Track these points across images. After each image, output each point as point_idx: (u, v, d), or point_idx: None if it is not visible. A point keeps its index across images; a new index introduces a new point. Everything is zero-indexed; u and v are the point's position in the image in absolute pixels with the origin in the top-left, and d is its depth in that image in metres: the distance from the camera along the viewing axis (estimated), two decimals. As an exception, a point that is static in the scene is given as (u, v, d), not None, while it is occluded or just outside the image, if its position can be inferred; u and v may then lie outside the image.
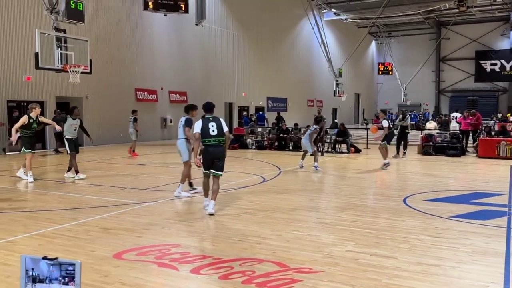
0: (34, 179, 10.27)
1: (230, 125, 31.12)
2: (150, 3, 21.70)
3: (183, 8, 22.30)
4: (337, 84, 31.77)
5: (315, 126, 12.93)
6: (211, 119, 6.97)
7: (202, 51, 27.63)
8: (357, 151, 17.58)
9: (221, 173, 7.07)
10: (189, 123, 8.29)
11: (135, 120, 15.87)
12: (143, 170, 12.62)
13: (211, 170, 7.04)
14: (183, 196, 8.45)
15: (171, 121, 25.23)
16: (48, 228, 6.20)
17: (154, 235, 5.95)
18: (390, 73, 50.94)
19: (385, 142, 13.13)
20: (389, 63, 51.13)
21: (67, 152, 10.91)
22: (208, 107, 7.10)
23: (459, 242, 5.55)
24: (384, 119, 13.53)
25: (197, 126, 6.96)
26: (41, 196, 8.61)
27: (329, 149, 17.94)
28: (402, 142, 16.05)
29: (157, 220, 6.71)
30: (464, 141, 17.25)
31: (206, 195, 7.28)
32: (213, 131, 6.86)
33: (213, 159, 6.94)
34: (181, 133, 8.50)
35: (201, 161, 7.03)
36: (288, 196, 8.72)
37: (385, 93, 57.16)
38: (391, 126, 13.76)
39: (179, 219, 6.84)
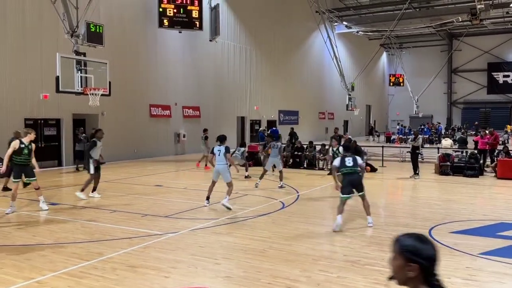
0: (49, 203, 10.31)
1: (242, 139, 31.14)
2: (165, 21, 21.92)
3: (197, 25, 22.50)
4: (349, 98, 31.69)
5: (277, 143, 13.75)
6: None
7: (215, 66, 27.76)
8: (373, 170, 17.43)
9: None
10: (228, 150, 10.36)
11: (206, 138, 17.96)
12: (160, 193, 12.61)
13: None
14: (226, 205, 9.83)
15: (184, 136, 25.30)
16: (75, 266, 6.19)
17: (181, 275, 5.91)
18: (401, 84, 50.76)
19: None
20: (400, 75, 50.98)
21: (90, 172, 11.04)
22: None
23: (493, 287, 5.44)
24: (338, 146, 12.13)
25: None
26: (64, 225, 8.61)
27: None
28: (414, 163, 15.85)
29: (182, 256, 6.66)
30: (482, 161, 17.05)
31: None
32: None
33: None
34: (222, 159, 10.23)
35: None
36: (311, 226, 8.64)
37: (396, 105, 56.98)
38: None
39: (204, 255, 6.79)
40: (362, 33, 43.87)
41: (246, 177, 15.30)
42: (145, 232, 8.09)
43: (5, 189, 12.32)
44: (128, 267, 6.19)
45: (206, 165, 17.79)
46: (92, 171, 11.04)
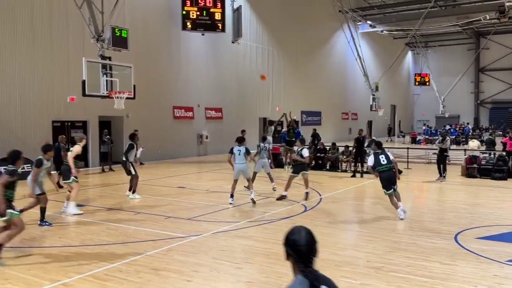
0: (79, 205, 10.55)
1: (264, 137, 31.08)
2: (188, 23, 22.13)
3: (220, 27, 22.62)
4: (373, 99, 31.30)
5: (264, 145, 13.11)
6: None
7: (237, 67, 27.85)
8: (398, 172, 17.11)
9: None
10: (248, 151, 11.08)
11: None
12: (183, 194, 12.72)
13: None
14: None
15: (207, 137, 25.47)
16: (99, 268, 6.30)
17: (203, 279, 5.94)
18: (427, 84, 49.87)
19: (302, 173, 11.44)
20: (426, 74, 50.09)
21: (133, 173, 11.51)
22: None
23: (522, 297, 5.28)
24: (303, 148, 11.73)
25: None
26: (90, 227, 8.78)
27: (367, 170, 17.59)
28: (442, 165, 15.51)
29: (205, 260, 6.70)
30: (510, 163, 16.58)
31: None
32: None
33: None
34: (242, 158, 10.91)
35: None
36: (333, 230, 8.57)
37: (422, 105, 55.98)
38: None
39: (226, 259, 6.80)
40: (387, 32, 43.29)
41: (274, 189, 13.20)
42: (168, 234, 8.18)
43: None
44: (152, 270, 6.26)
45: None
46: (133, 172, 11.51)
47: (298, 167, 11.49)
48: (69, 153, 10.04)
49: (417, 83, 51.51)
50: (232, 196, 10.96)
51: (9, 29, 16.32)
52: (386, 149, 10.31)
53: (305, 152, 11.50)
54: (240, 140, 11.17)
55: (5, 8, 16.23)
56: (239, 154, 10.96)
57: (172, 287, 5.69)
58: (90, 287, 5.62)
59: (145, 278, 5.96)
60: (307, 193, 11.53)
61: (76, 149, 10.04)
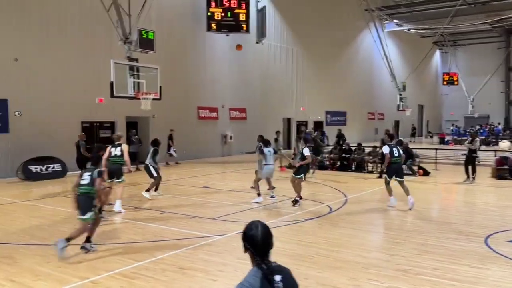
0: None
1: (288, 140, 31.11)
2: (213, 25, 22.29)
3: (244, 28, 22.70)
4: (400, 98, 30.82)
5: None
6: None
7: (261, 68, 27.89)
8: (426, 173, 16.85)
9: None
10: (276, 152, 11.70)
11: (276, 140, 18.64)
12: (207, 194, 12.82)
13: None
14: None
15: (231, 138, 25.59)
16: (127, 266, 6.41)
17: (228, 279, 5.97)
18: (456, 83, 48.71)
19: (302, 175, 10.85)
20: (455, 73, 48.94)
21: (155, 176, 11.72)
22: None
23: (557, 303, 5.11)
24: (304, 147, 11.06)
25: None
26: (118, 225, 8.96)
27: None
28: (470, 167, 15.12)
29: (229, 260, 6.74)
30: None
31: None
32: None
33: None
34: (272, 159, 11.22)
35: None
36: (359, 232, 8.48)
37: (450, 104, 54.77)
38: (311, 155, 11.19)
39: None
40: (414, 31, 42.56)
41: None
42: (194, 234, 8.26)
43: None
44: (177, 268, 6.34)
45: (281, 166, 17.78)
46: (155, 174, 11.73)
47: (302, 168, 10.82)
48: (125, 155, 10.06)
49: (445, 83, 50.38)
50: (260, 195, 11.08)
51: (41, 32, 16.80)
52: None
53: (306, 151, 10.83)
54: (268, 142, 11.42)
55: (37, 11, 16.71)
56: (270, 155, 11.11)
57: (198, 286, 5.75)
58: (118, 285, 5.73)
59: (171, 276, 6.04)
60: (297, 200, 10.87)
61: (127, 148, 10.32)
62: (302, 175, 10.88)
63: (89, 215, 6.97)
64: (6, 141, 15.97)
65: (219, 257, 6.85)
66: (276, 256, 7.01)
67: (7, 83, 15.93)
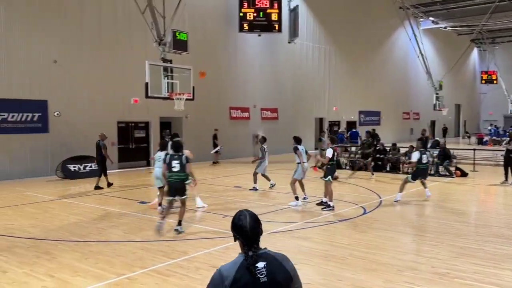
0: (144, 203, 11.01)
1: (320, 141, 30.83)
2: (245, 25, 22.37)
3: (276, 28, 22.68)
4: (437, 97, 30.04)
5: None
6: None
7: (293, 67, 27.79)
8: (463, 174, 16.34)
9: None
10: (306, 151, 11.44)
11: (320, 140, 19.06)
12: (239, 194, 12.88)
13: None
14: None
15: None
16: (161, 264, 6.51)
17: (262, 278, 5.96)
18: (495, 82, 47.16)
19: (329, 177, 10.34)
20: (493, 71, 47.35)
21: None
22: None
23: None
24: (330, 147, 10.54)
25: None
26: (152, 223, 9.07)
27: (431, 172, 16.91)
28: (510, 168, 14.53)
29: (263, 259, 6.72)
30: None
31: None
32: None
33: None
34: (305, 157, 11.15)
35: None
36: (394, 234, 8.31)
37: (489, 104, 53.01)
38: (334, 158, 10.59)
39: (284, 259, 6.79)
40: (451, 28, 41.37)
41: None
42: (226, 233, 8.28)
43: (97, 187, 13.60)
44: (211, 267, 6.37)
45: (315, 166, 17.62)
46: None
47: (328, 170, 10.43)
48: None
49: (483, 81, 48.84)
50: (298, 198, 10.81)
51: (78, 35, 17.32)
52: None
53: (329, 152, 10.35)
54: (301, 140, 11.31)
55: (75, 15, 17.23)
56: (306, 154, 11.04)
57: (230, 285, 5.76)
58: (153, 282, 5.82)
59: (204, 275, 6.08)
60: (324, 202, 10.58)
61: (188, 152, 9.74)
62: (329, 177, 10.36)
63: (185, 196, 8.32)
64: (46, 140, 16.55)
65: (251, 257, 6.84)
66: (308, 256, 6.97)
67: (47, 85, 16.51)
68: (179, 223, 8.33)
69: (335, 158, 10.70)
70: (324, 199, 10.59)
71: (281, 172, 17.81)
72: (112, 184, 13.97)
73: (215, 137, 21.27)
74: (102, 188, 13.62)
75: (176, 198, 8.28)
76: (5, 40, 15.39)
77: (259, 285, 2.42)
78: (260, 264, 2.44)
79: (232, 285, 2.40)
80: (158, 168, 9.89)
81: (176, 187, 8.21)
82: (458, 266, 6.37)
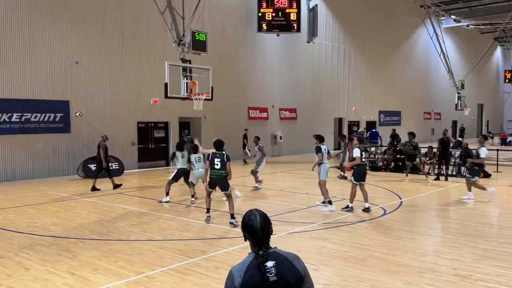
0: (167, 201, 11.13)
1: (339, 141, 30.62)
2: (264, 25, 22.36)
3: (295, 28, 22.58)
4: (459, 97, 29.49)
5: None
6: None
7: (312, 67, 27.65)
8: (486, 175, 16.00)
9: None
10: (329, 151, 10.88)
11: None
12: (257, 194, 12.87)
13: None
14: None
15: (281, 138, 25.54)
16: (180, 262, 6.54)
17: (280, 278, 5.93)
18: (519, 81, 46.03)
19: (352, 178, 10.11)
20: (518, 70, 46.26)
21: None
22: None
23: None
24: (357, 147, 10.15)
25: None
26: (171, 223, 9.17)
27: (453, 172, 16.62)
28: None
29: (281, 259, 6.70)
30: None
31: None
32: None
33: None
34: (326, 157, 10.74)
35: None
36: (415, 235, 8.17)
37: (513, 104, 51.83)
38: (363, 158, 10.16)
39: (304, 259, 6.74)
40: (473, 26, 40.59)
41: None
42: (245, 233, 8.28)
43: (94, 189, 13.16)
44: (229, 266, 6.29)
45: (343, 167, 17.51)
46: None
47: (355, 172, 10.06)
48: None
49: (507, 81, 47.76)
50: (331, 202, 10.34)
51: (99, 37, 17.57)
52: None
53: (356, 152, 10.00)
54: (324, 139, 10.87)
55: (96, 17, 17.48)
56: (328, 154, 10.69)
57: None
58: (172, 280, 5.85)
59: (223, 274, 6.08)
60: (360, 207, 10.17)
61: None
62: (355, 178, 10.01)
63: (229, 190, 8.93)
64: (67, 140, 16.83)
65: (270, 257, 6.82)
66: (328, 257, 6.91)
67: (69, 85, 16.80)
68: (232, 216, 8.79)
69: (363, 159, 10.22)
70: (366, 204, 9.98)
71: (299, 173, 17.75)
72: (98, 189, 13.17)
73: (245, 137, 21.77)
74: (99, 189, 13.14)
75: (215, 190, 9.16)
76: (28, 42, 15.71)
77: (269, 285, 2.41)
78: (269, 263, 2.43)
79: (242, 286, 2.40)
80: (201, 169, 11.01)
81: (218, 182, 8.96)
82: (481, 268, 6.23)
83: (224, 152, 8.87)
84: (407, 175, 15.70)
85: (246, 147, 21.47)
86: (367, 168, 10.52)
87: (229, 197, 9.06)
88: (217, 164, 8.80)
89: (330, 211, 10.15)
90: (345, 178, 15.40)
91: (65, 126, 16.70)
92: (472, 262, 6.54)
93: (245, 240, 2.59)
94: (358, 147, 10.13)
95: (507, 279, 5.81)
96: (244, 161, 21.37)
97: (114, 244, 7.55)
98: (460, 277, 5.88)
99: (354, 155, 9.99)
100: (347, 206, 10.15)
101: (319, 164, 10.51)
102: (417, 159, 15.68)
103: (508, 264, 6.38)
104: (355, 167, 10.09)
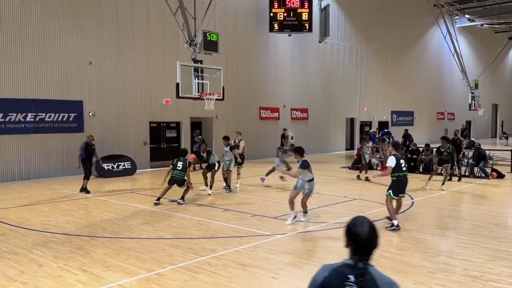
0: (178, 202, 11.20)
1: (351, 142, 30.53)
2: (275, 25, 22.38)
3: (307, 27, 22.58)
4: (472, 97, 29.16)
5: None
6: None
7: (323, 67, 27.57)
8: (500, 176, 15.82)
9: None
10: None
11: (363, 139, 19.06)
12: (269, 194, 12.89)
13: None
14: None
15: (292, 138, 25.49)
16: (190, 261, 6.60)
17: (288, 277, 5.97)
18: (535, 80, 45.30)
19: (390, 192, 8.54)
20: (534, 70, 45.53)
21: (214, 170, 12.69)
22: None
23: None
24: (392, 154, 8.60)
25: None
26: (182, 221, 9.24)
27: (466, 173, 16.45)
28: None
29: (290, 258, 6.73)
30: None
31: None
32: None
33: None
34: None
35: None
36: (426, 236, 8.12)
37: (529, 103, 51.03)
38: (403, 168, 8.51)
39: (311, 259, 6.77)
40: (487, 25, 40.08)
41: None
42: (255, 232, 8.33)
43: (84, 190, 12.77)
44: (239, 265, 6.42)
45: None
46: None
47: (391, 183, 8.62)
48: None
49: (523, 80, 47.04)
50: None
51: (112, 37, 17.75)
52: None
53: (391, 161, 8.39)
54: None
55: (109, 18, 17.67)
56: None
57: (258, 283, 5.79)
58: (182, 278, 5.91)
59: (232, 272, 6.13)
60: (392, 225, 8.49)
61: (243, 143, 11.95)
62: (390, 191, 8.54)
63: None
64: (81, 140, 16.98)
65: (279, 256, 6.86)
66: (337, 256, 6.90)
67: (82, 85, 17.01)
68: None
69: (403, 168, 8.52)
70: (395, 222, 8.41)
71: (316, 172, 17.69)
72: (88, 192, 12.73)
73: (283, 136, 21.87)
74: (89, 191, 12.75)
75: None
76: (42, 42, 15.94)
77: None
78: (351, 277, 2.27)
79: (320, 285, 2.35)
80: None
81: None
82: (493, 269, 6.17)
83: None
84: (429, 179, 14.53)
85: (285, 147, 21.19)
86: (405, 176, 8.60)
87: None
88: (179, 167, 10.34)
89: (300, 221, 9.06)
90: (366, 179, 15.39)
91: (78, 126, 16.91)
92: (483, 262, 6.48)
93: (346, 247, 2.40)
94: (393, 155, 8.55)
95: (519, 280, 5.75)
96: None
97: (125, 242, 7.64)
98: (471, 278, 5.83)
99: (388, 164, 8.44)
100: (392, 225, 8.41)
101: (310, 180, 9.33)
102: (449, 164, 14.29)
103: (520, 265, 6.32)
104: (394, 179, 8.50)
